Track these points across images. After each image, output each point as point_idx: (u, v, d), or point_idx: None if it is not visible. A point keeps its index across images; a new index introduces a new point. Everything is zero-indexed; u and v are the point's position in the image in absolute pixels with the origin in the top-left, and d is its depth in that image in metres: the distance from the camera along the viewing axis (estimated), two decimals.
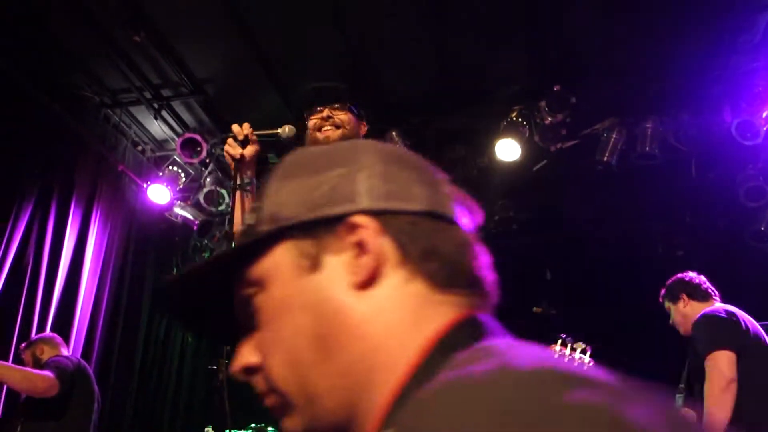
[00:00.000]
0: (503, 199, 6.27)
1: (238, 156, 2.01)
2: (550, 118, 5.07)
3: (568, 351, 3.48)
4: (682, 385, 3.04)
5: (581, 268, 6.72)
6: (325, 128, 2.07)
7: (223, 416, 1.74)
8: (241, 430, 4.99)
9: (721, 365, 2.70)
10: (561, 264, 6.92)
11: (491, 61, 4.95)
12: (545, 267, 6.95)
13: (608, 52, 4.74)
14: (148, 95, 5.30)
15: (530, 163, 5.62)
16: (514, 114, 5.22)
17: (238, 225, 1.98)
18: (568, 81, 4.94)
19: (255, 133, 2.06)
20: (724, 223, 6.02)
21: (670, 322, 3.36)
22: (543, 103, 5.03)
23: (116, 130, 5.60)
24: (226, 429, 1.70)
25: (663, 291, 3.42)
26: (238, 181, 2.00)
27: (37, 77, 4.79)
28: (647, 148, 5.16)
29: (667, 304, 3.38)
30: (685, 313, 3.22)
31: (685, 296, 3.25)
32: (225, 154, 2.05)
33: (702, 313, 3.05)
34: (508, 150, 5.30)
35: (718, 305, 3.13)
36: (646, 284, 5.73)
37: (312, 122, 2.09)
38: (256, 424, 5.55)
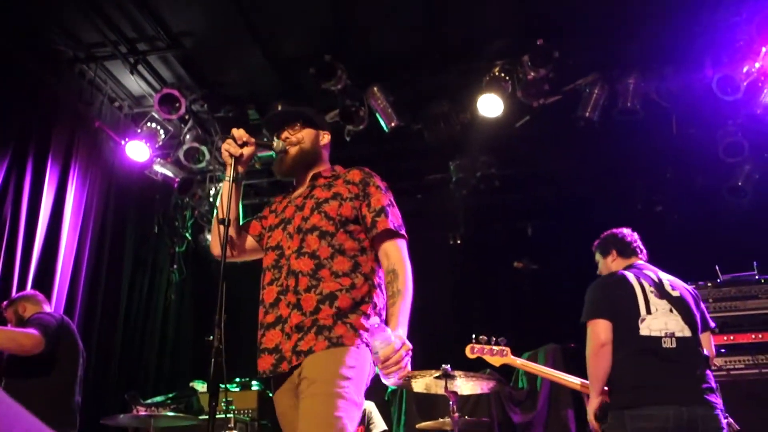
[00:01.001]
0: (486, 156, 6.28)
1: (238, 154, 2.38)
2: (533, 73, 5.04)
3: (487, 347, 3.60)
4: None
5: (562, 224, 6.79)
6: (287, 146, 2.47)
7: (219, 379, 1.98)
8: (227, 384, 5.09)
9: (597, 331, 2.93)
10: (542, 220, 6.99)
11: (475, 15, 4.88)
12: (527, 223, 7.02)
13: (591, 7, 4.70)
14: (123, 49, 5.17)
15: (513, 119, 5.61)
16: (496, 69, 5.17)
17: (223, 212, 2.35)
18: (551, 36, 4.89)
19: (253, 140, 2.44)
20: (703, 178, 6.09)
21: (597, 272, 3.40)
22: (526, 58, 4.99)
23: (92, 85, 5.47)
24: (221, 385, 2.00)
25: (596, 242, 3.45)
26: (234, 176, 2.37)
27: (9, 33, 4.65)
28: (629, 104, 5.17)
29: (597, 256, 3.43)
30: (610, 267, 3.30)
31: (615, 251, 3.30)
32: (224, 151, 2.38)
33: (597, 277, 3.25)
34: (490, 106, 5.28)
35: (631, 265, 3.19)
36: None
37: (276, 145, 2.48)
38: (241, 378, 5.65)
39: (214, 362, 1.97)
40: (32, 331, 3.51)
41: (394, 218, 2.33)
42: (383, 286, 2.28)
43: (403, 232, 2.32)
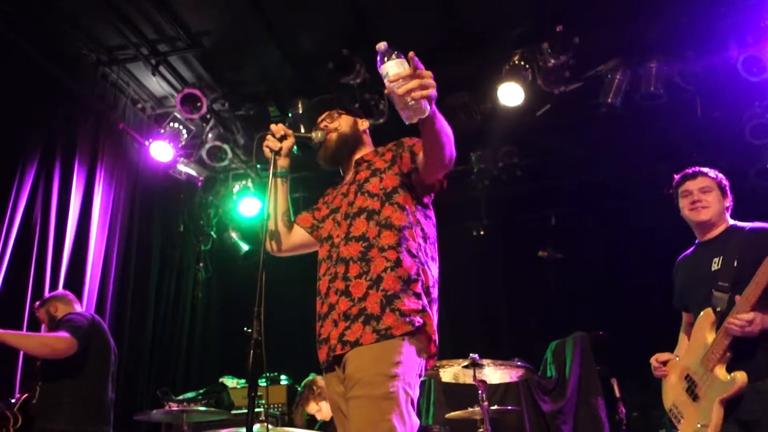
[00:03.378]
0: (507, 145, 6.24)
1: (277, 148, 2.37)
2: (553, 61, 4.99)
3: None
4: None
5: (587, 212, 6.73)
6: (327, 134, 2.46)
7: (259, 371, 1.96)
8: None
9: None
10: (566, 208, 6.93)
11: (493, 3, 4.84)
12: (550, 212, 6.97)
13: None
14: (144, 51, 5.23)
15: (534, 107, 5.57)
16: (516, 57, 5.14)
17: (277, 213, 2.42)
18: (570, 21, 4.84)
19: (291, 132, 2.44)
20: (730, 161, 5.98)
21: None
22: (546, 45, 4.94)
23: (115, 88, 5.54)
24: (263, 379, 1.94)
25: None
26: (275, 170, 2.39)
27: (33, 38, 4.72)
28: (652, 88, 5.10)
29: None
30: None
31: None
32: (264, 147, 2.39)
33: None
34: (511, 95, 5.25)
35: None
36: (653, 225, 5.76)
37: (315, 133, 2.47)
38: (270, 372, 5.70)
39: (253, 353, 1.94)
40: (63, 334, 3.57)
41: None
42: (430, 263, 2.21)
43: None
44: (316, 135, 2.43)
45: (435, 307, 2.19)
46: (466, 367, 3.61)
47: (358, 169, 2.40)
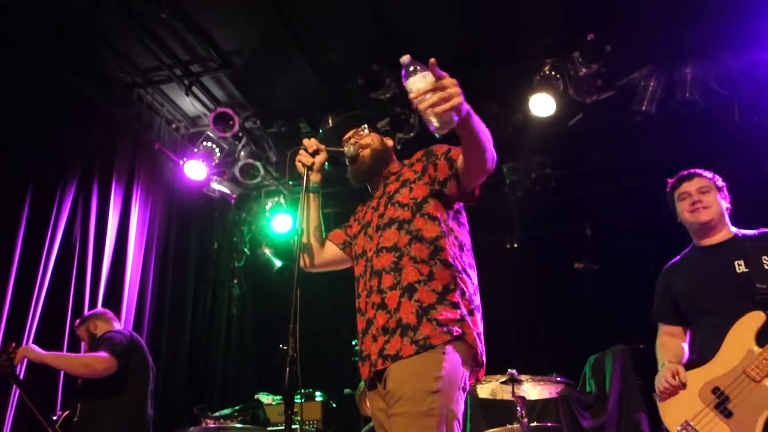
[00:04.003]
0: (540, 156, 6.18)
1: (310, 163, 2.36)
2: (584, 69, 4.93)
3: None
4: None
5: (623, 222, 6.60)
6: (362, 150, 2.45)
7: (295, 387, 1.95)
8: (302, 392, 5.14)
9: None
10: (602, 219, 6.81)
11: (522, 13, 4.81)
12: (585, 223, 6.85)
13: None
14: (178, 72, 5.33)
15: (566, 117, 5.50)
16: (547, 67, 5.09)
17: (310, 228, 2.42)
18: (601, 29, 4.78)
19: (324, 148, 2.43)
20: None
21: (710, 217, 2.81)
22: (577, 54, 4.89)
23: (150, 109, 5.67)
24: (298, 396, 2.01)
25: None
26: (308, 185, 2.38)
27: (71, 61, 4.86)
28: (687, 95, 4.99)
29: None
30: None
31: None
32: (297, 163, 2.38)
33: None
34: (542, 105, 5.19)
35: None
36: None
37: (348, 148, 2.46)
38: (305, 389, 5.69)
39: (289, 371, 1.92)
40: (103, 354, 3.63)
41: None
42: (469, 271, 2.17)
43: None
44: (349, 150, 2.42)
45: (479, 315, 2.14)
46: (503, 383, 3.55)
47: (386, 181, 2.40)
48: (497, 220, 6.89)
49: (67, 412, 3.87)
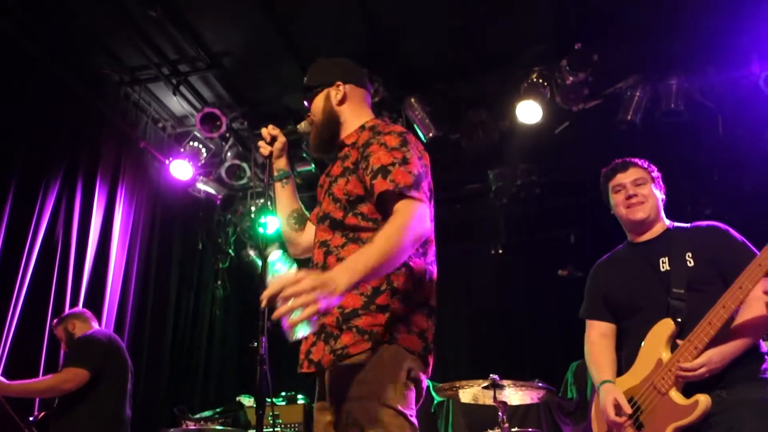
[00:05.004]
0: (526, 163, 6.21)
1: (268, 152, 2.30)
2: (571, 78, 4.97)
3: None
4: None
5: (606, 231, 6.64)
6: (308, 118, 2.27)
7: (264, 389, 1.90)
8: (273, 398, 5.11)
9: None
10: (585, 226, 6.86)
11: (511, 21, 4.85)
12: (569, 230, 6.89)
13: (630, 6, 4.62)
14: (166, 71, 5.30)
15: (552, 125, 5.54)
16: (534, 75, 5.13)
17: (283, 217, 2.32)
18: (589, 38, 4.83)
19: (281, 132, 2.35)
20: (753, 180, 5.90)
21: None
22: (564, 62, 4.93)
23: (136, 107, 5.63)
24: (267, 398, 1.91)
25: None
26: (272, 174, 2.33)
27: (58, 57, 4.83)
28: (672, 106, 5.05)
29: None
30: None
31: None
32: (260, 155, 2.33)
33: None
34: (529, 112, 5.23)
35: None
36: None
37: (301, 124, 2.34)
38: (287, 392, 5.67)
39: (260, 370, 1.88)
40: (68, 372, 3.62)
41: (401, 176, 1.82)
42: (411, 264, 1.90)
43: (414, 193, 1.81)
44: (301, 126, 2.29)
45: (422, 312, 1.92)
46: (485, 387, 3.56)
47: (337, 155, 2.14)
48: (483, 227, 6.92)
49: (44, 413, 3.83)
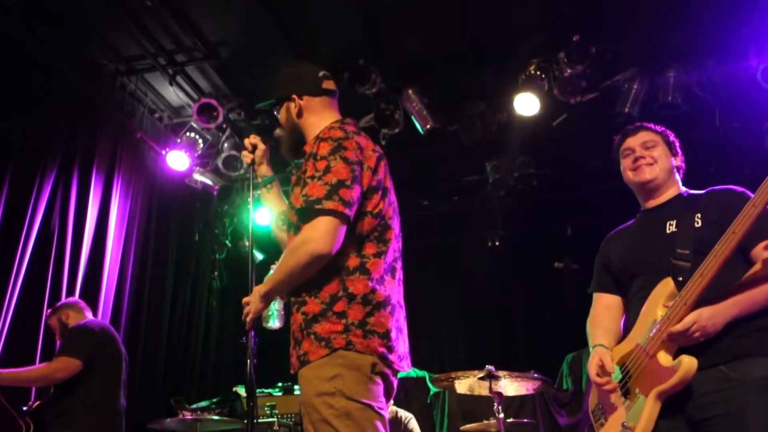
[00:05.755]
0: (523, 156, 6.21)
1: (250, 160, 2.43)
2: (569, 70, 4.97)
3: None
4: None
5: (602, 223, 6.65)
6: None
7: (250, 382, 2.05)
8: (269, 388, 5.13)
9: None
10: (582, 219, 6.87)
11: (509, 13, 4.84)
12: (566, 223, 6.91)
13: None
14: (162, 61, 5.28)
15: (550, 117, 5.54)
16: (532, 67, 5.12)
17: (274, 215, 2.41)
18: (587, 31, 4.82)
19: (260, 139, 2.45)
20: (750, 172, 5.90)
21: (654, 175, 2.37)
22: (562, 55, 4.93)
23: (132, 97, 5.60)
24: (256, 390, 2.06)
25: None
26: (255, 181, 2.45)
27: (53, 47, 4.80)
28: (670, 98, 5.06)
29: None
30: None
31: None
32: (244, 161, 2.49)
33: None
34: (527, 105, 5.23)
35: None
36: None
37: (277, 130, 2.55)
38: (283, 383, 5.69)
39: (249, 363, 2.05)
40: (61, 361, 3.63)
41: (314, 189, 1.93)
42: (369, 265, 1.98)
43: (326, 204, 1.89)
44: (277, 133, 2.56)
45: (384, 311, 1.96)
46: (481, 378, 3.57)
47: (300, 163, 2.19)
48: (480, 218, 6.93)
49: (38, 402, 3.84)
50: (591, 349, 2.32)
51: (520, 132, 5.71)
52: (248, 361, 2.03)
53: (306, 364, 1.92)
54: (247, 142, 2.43)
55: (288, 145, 2.31)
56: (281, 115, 2.31)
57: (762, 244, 2.00)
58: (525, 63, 5.18)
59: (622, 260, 2.36)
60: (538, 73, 5.12)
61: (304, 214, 1.94)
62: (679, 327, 1.92)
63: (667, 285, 2.07)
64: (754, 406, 1.85)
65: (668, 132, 2.47)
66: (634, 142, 2.45)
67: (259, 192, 2.44)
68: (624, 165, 2.48)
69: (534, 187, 6.37)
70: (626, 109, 5.17)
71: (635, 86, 5.13)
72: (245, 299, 2.12)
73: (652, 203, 2.40)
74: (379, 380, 1.93)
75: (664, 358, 1.97)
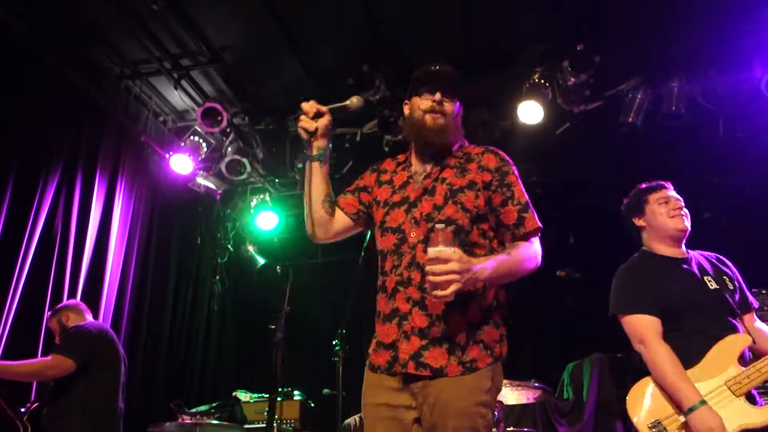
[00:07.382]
0: (526, 164, 6.20)
1: (312, 129, 2.15)
2: (573, 79, 4.97)
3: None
4: None
5: (605, 232, 6.65)
6: (436, 114, 2.17)
7: (276, 372, 1.89)
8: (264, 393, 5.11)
9: None
10: (584, 228, 6.86)
11: (513, 21, 4.84)
12: (569, 231, 6.89)
13: (633, 8, 4.61)
14: (167, 65, 5.30)
15: (553, 126, 5.53)
16: (536, 75, 5.12)
17: (317, 199, 2.20)
18: (591, 40, 4.82)
19: (326, 107, 2.20)
20: (752, 183, 5.90)
21: None
22: (566, 63, 4.93)
23: (137, 101, 5.63)
24: (279, 384, 1.94)
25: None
26: (312, 153, 2.19)
27: (59, 52, 4.82)
28: (673, 108, 5.05)
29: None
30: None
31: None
32: (299, 129, 2.17)
33: None
34: (530, 113, 5.23)
35: None
36: None
37: (424, 103, 2.19)
38: (283, 388, 5.67)
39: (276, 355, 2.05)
40: (53, 358, 3.63)
41: (536, 219, 2.17)
42: (502, 288, 2.13)
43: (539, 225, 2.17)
44: (353, 101, 2.19)
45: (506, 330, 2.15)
46: None
47: (444, 162, 2.16)
48: None
49: (36, 405, 3.84)
50: (697, 404, 2.40)
51: (523, 140, 5.71)
52: (275, 354, 1.98)
53: (474, 371, 1.95)
54: (308, 108, 2.15)
55: (443, 132, 2.16)
56: (451, 106, 2.20)
57: None
58: (529, 71, 5.18)
59: (674, 300, 2.62)
60: (542, 81, 5.13)
61: (534, 229, 2.13)
62: None
63: (744, 340, 2.53)
64: None
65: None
66: (672, 194, 2.83)
67: (304, 165, 2.28)
68: (661, 210, 2.80)
69: (537, 195, 6.35)
70: (630, 119, 5.16)
71: (639, 95, 5.13)
72: (450, 264, 1.75)
73: (672, 252, 2.76)
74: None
75: (747, 402, 2.45)
